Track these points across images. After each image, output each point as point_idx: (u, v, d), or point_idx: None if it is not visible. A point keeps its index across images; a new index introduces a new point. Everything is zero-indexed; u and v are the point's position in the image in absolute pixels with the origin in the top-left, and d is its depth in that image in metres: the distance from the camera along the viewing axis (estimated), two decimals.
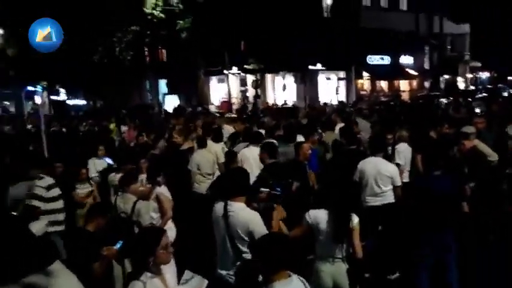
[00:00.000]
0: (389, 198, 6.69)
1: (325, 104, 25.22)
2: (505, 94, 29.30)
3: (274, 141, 8.71)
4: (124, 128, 15.81)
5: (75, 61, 33.46)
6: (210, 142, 9.20)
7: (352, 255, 4.59)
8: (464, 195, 6.00)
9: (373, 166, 6.75)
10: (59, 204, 6.44)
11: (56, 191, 6.44)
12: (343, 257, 4.59)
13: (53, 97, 47.22)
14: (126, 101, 40.72)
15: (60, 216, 6.41)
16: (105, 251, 4.53)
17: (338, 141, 8.63)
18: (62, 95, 49.47)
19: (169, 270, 3.40)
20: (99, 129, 16.07)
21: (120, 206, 6.05)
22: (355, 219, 4.63)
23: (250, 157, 7.94)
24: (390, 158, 7.80)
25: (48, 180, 6.43)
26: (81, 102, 48.00)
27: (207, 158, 8.72)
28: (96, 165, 9.07)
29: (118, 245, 4.61)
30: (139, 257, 3.34)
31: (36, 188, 6.31)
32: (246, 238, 4.29)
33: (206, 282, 3.62)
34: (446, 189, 5.43)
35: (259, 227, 4.29)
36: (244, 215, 4.37)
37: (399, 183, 6.70)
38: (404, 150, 8.04)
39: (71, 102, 45.84)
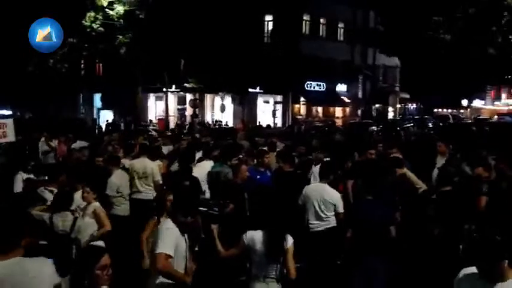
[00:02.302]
0: (333, 223, 6.77)
1: (268, 126, 25.62)
2: (430, 125, 31.06)
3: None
4: (55, 142, 15.14)
5: (4, 69, 31.89)
6: (145, 159, 9.06)
7: (286, 275, 4.65)
8: (393, 220, 6.26)
9: (318, 192, 6.84)
10: None
11: None
12: (277, 277, 4.64)
13: None
14: (58, 114, 39.22)
15: None
16: None
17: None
18: None
19: None
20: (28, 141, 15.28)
21: (57, 224, 5.77)
22: (290, 240, 4.71)
23: None
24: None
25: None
26: (7, 112, 45.55)
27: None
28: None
29: None
30: (76, 274, 3.25)
31: None
32: None
33: None
34: (378, 213, 5.67)
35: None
36: (159, 229, 4.35)
37: (341, 210, 6.76)
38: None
39: None
